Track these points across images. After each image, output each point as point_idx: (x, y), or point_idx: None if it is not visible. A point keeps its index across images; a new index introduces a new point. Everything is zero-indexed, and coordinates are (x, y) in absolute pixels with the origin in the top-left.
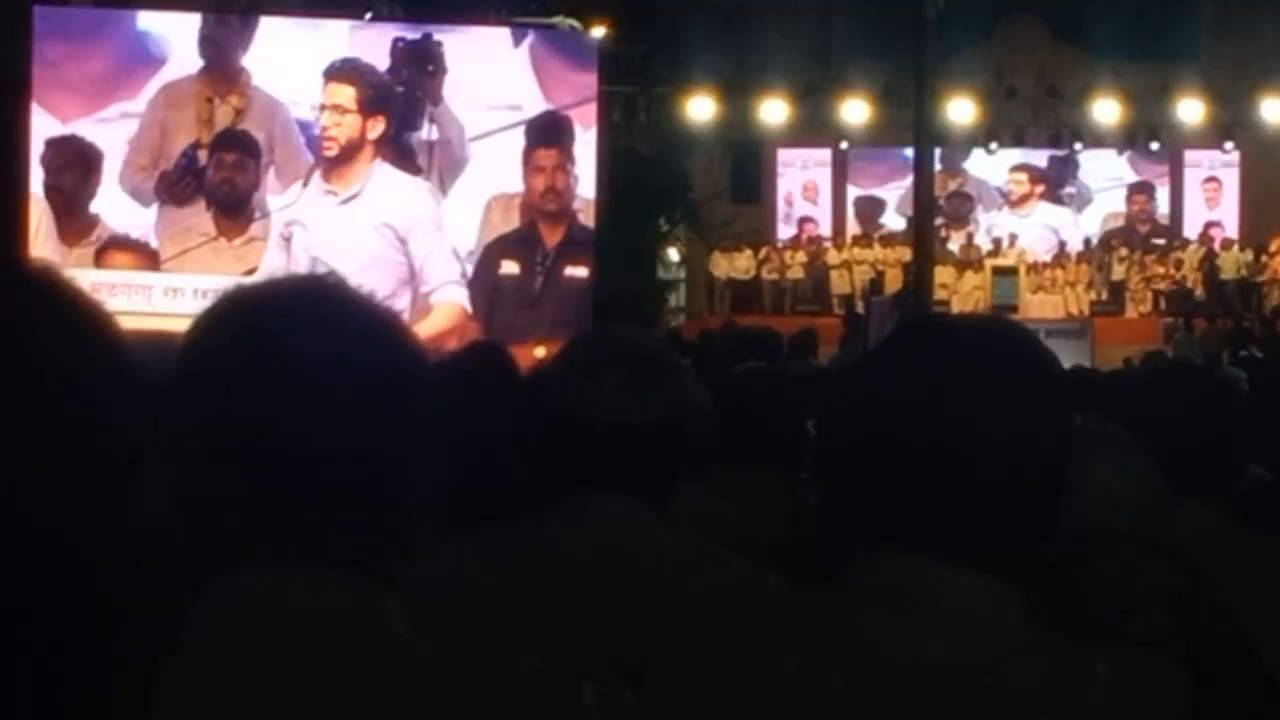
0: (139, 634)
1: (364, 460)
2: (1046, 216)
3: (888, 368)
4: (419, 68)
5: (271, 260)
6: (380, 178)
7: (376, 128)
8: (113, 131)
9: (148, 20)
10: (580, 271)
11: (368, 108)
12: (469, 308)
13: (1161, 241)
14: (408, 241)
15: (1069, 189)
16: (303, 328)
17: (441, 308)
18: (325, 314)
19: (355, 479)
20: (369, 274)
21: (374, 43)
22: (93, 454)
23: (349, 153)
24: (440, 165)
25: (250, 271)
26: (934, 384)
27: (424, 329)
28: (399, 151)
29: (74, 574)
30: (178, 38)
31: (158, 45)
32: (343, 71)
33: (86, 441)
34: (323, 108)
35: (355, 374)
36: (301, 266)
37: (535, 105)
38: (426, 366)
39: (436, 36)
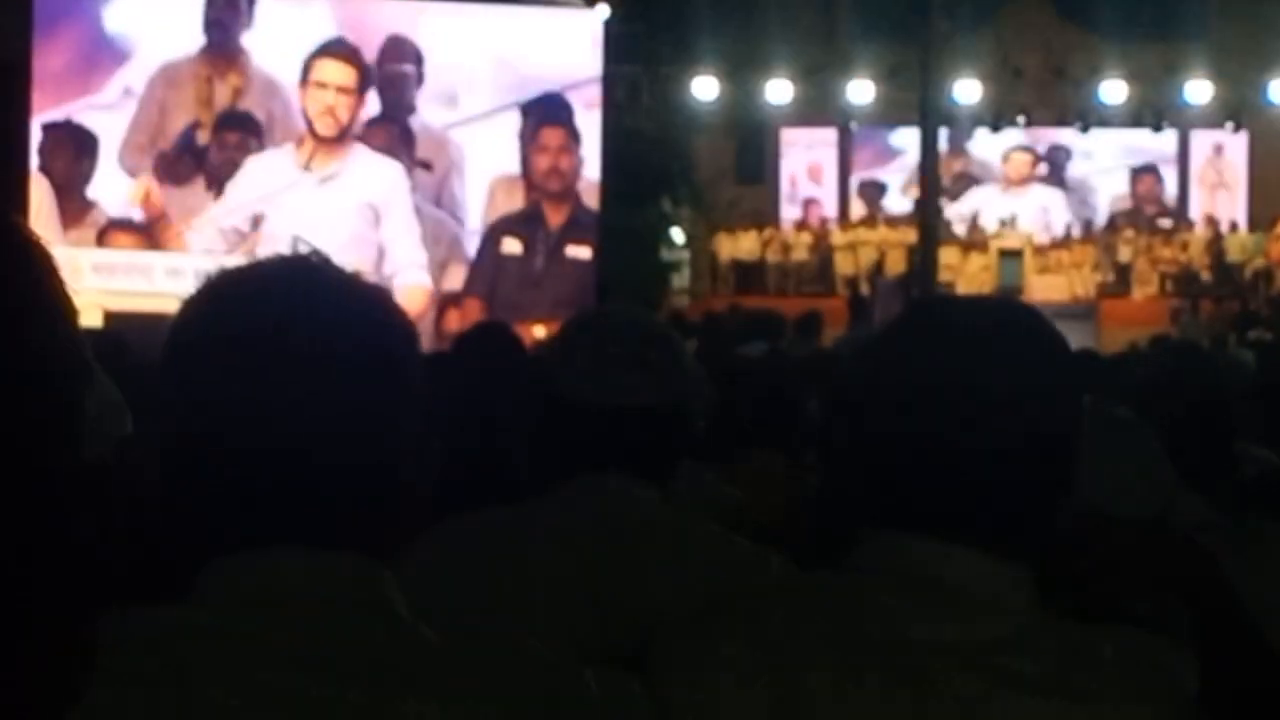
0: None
1: (358, 440)
2: (1042, 197)
3: (895, 351)
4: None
5: (221, 228)
6: (359, 157)
7: (363, 110)
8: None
9: (115, 17)
10: (583, 252)
11: (362, 90)
12: (432, 289)
13: (1168, 224)
14: (380, 222)
15: (1067, 174)
16: (289, 306)
17: (408, 291)
18: (312, 294)
19: (349, 460)
20: (349, 253)
21: (360, 18)
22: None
23: (342, 134)
24: (439, 198)
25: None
26: (942, 366)
27: None
28: (386, 136)
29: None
30: (148, 28)
31: (124, 40)
32: (343, 51)
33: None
34: (322, 85)
35: (346, 354)
36: (274, 245)
37: (537, 85)
38: (416, 343)
39: (427, 29)
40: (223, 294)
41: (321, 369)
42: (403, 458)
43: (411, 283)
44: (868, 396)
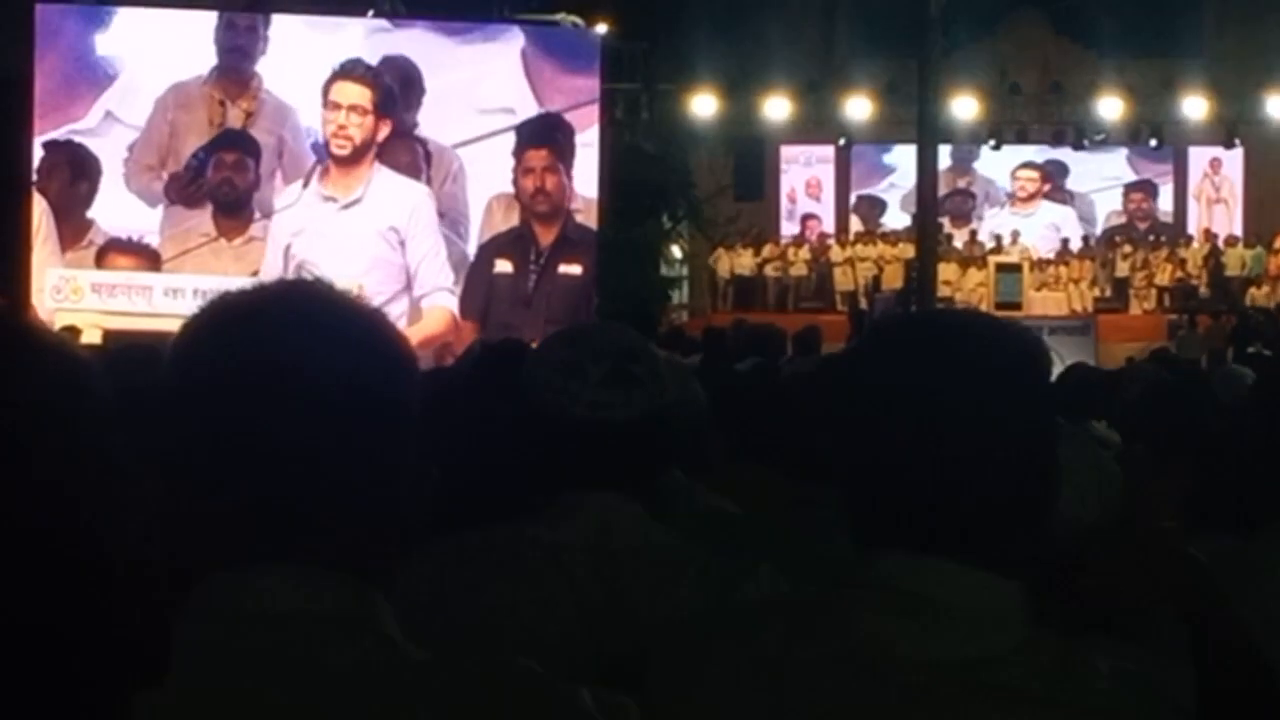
0: (126, 660)
1: (355, 465)
2: (1050, 214)
3: (863, 369)
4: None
5: (273, 265)
6: (381, 181)
7: (384, 131)
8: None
9: (104, 42)
10: (574, 269)
11: (380, 111)
12: (458, 314)
13: (1162, 238)
14: (406, 245)
15: (1069, 188)
16: (290, 334)
17: (431, 312)
18: (312, 319)
19: (346, 483)
20: (371, 278)
21: (390, 46)
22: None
23: (358, 155)
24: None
25: (254, 273)
26: (908, 382)
27: (414, 332)
28: (410, 154)
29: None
30: (134, 52)
31: (107, 64)
32: (357, 71)
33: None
34: (336, 106)
35: (344, 379)
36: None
37: (530, 108)
38: (415, 369)
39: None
40: (221, 320)
41: (315, 395)
42: (397, 482)
43: (438, 305)
44: (846, 417)
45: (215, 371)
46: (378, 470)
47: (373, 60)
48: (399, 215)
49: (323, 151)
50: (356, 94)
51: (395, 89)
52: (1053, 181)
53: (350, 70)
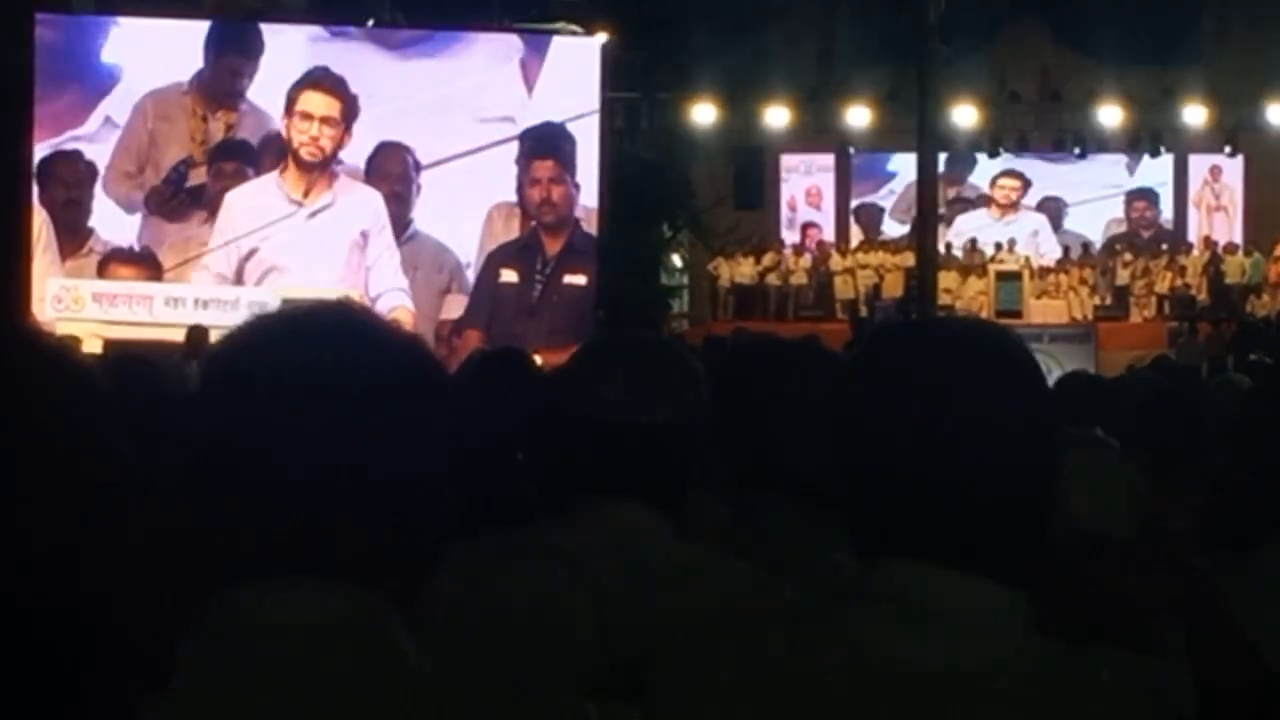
0: (130, 664)
1: (381, 482)
2: (1032, 222)
3: (864, 377)
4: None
5: (226, 263)
6: (344, 187)
7: (348, 141)
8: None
9: (105, 50)
10: (579, 279)
11: (347, 120)
12: (415, 313)
13: (1163, 246)
14: (366, 248)
15: (1059, 195)
16: (325, 347)
17: (391, 315)
18: (344, 341)
19: (372, 499)
20: (349, 283)
21: (355, 50)
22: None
23: (325, 164)
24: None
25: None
26: (909, 390)
27: None
28: (391, 164)
29: (64, 601)
30: (135, 60)
31: (109, 71)
32: (326, 82)
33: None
34: (308, 117)
35: (372, 400)
36: (253, 277)
37: (531, 117)
38: (445, 393)
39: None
40: (258, 332)
41: (347, 413)
42: (421, 502)
43: (395, 305)
44: (846, 426)
45: (243, 381)
46: (402, 486)
47: (364, 70)
48: (364, 220)
49: (298, 158)
50: (327, 105)
51: (357, 99)
52: (1033, 189)
53: (319, 80)
